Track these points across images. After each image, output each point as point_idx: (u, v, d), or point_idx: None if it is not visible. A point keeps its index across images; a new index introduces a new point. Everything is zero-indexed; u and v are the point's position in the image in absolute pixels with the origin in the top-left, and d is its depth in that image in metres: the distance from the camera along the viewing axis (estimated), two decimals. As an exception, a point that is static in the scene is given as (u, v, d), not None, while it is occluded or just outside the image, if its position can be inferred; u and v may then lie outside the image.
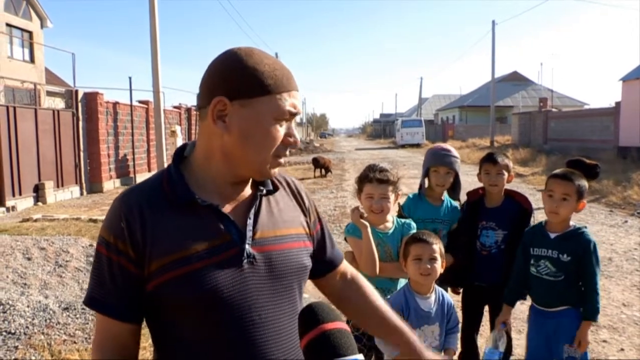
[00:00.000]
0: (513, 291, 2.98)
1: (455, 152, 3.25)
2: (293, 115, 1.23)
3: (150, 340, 1.29)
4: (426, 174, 3.24)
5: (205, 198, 1.20)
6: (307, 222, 1.38)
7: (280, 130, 1.21)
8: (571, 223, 2.79)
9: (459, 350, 3.41)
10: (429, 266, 2.40)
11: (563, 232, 2.77)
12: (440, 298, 2.50)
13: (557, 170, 2.80)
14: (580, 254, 2.71)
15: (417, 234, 2.51)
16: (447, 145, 3.39)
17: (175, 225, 1.17)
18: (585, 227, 2.79)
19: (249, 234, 1.21)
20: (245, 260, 1.18)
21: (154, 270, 1.14)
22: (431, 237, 2.46)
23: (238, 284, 1.17)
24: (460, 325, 2.57)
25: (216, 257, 1.16)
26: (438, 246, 2.44)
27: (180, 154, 1.30)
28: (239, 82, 1.17)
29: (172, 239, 1.16)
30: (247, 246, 1.19)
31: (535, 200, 12.12)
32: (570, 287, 2.74)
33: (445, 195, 3.27)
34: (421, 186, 3.28)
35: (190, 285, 1.13)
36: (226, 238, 1.18)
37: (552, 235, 2.79)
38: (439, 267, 2.44)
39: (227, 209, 1.23)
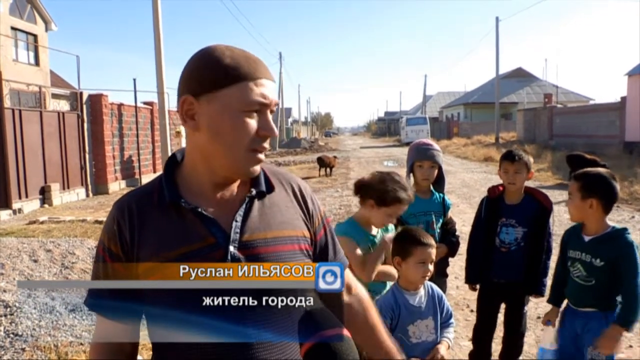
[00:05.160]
0: (555, 291, 2.95)
1: (437, 146, 3.27)
2: (264, 105, 1.17)
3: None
4: (411, 169, 3.25)
5: (193, 201, 1.20)
6: (307, 226, 1.34)
7: (251, 122, 1.16)
8: (610, 224, 2.70)
9: (468, 348, 3.39)
10: (430, 270, 2.39)
11: (599, 235, 2.68)
12: (430, 291, 2.47)
13: None
14: (615, 258, 2.59)
15: (418, 235, 2.43)
16: (429, 140, 3.43)
17: (161, 229, 1.19)
18: (626, 228, 2.67)
19: (235, 236, 1.19)
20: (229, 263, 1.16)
21: (141, 272, 1.15)
22: (430, 238, 2.44)
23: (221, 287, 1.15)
24: (453, 319, 2.54)
25: (199, 260, 1.15)
26: (434, 247, 2.44)
27: (174, 160, 1.30)
28: (201, 77, 1.16)
29: (157, 242, 1.17)
30: (231, 248, 1.18)
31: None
32: (601, 292, 2.64)
33: (432, 189, 3.28)
34: None
35: (172, 288, 1.13)
36: (210, 241, 1.18)
37: (587, 238, 2.71)
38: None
39: (213, 211, 1.21)
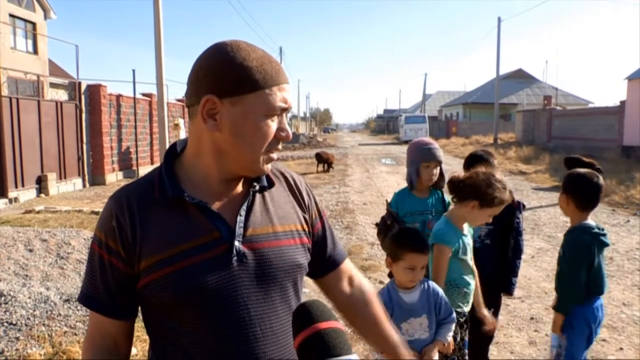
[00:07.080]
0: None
1: (437, 144, 3.29)
2: (284, 110, 1.19)
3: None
4: (416, 169, 3.19)
5: (196, 195, 1.19)
6: (305, 219, 1.34)
7: (272, 126, 1.18)
8: (585, 222, 2.87)
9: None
10: (420, 275, 2.38)
11: (568, 228, 2.93)
12: (426, 288, 2.45)
13: None
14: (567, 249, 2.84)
15: (412, 240, 2.40)
16: (428, 139, 3.40)
17: (164, 223, 1.17)
18: (587, 227, 2.86)
19: (240, 230, 1.19)
20: (234, 258, 1.16)
21: (143, 268, 1.15)
22: (424, 244, 2.40)
23: (226, 281, 1.15)
24: (454, 315, 2.51)
25: (204, 254, 1.15)
26: (427, 253, 2.41)
27: (173, 152, 1.28)
28: (227, 79, 1.14)
29: (161, 237, 1.16)
30: (236, 243, 1.17)
31: (539, 198, 12.10)
32: (560, 282, 2.84)
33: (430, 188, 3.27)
34: (412, 182, 3.22)
35: (177, 284, 1.13)
36: (215, 235, 1.17)
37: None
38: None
39: (217, 206, 1.21)
